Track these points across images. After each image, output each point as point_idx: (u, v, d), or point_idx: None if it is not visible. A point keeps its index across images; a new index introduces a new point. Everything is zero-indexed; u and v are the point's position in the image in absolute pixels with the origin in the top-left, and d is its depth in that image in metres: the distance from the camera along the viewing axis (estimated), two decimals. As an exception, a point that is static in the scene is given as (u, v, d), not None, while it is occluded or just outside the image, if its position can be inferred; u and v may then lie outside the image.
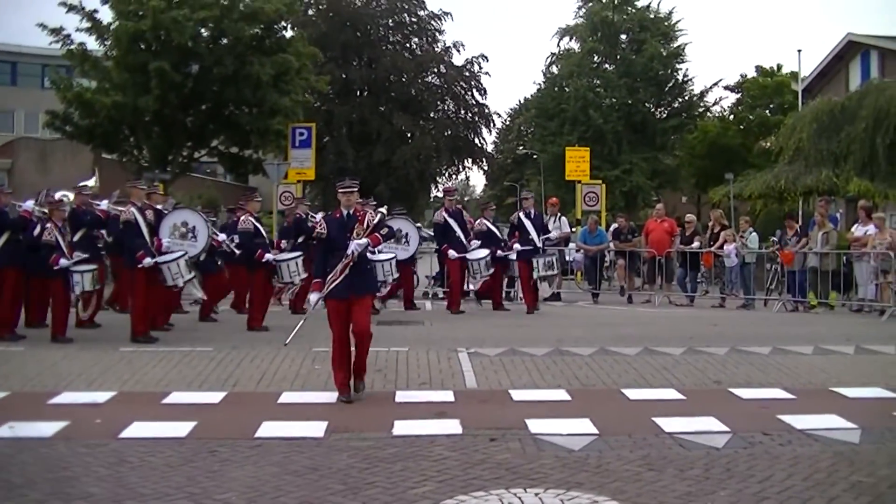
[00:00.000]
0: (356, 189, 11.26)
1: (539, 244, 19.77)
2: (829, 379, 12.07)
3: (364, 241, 10.87)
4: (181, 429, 9.41)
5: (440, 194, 66.15)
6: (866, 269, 20.11)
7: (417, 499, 7.00)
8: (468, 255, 19.72)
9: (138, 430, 9.40)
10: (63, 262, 15.06)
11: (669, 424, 9.42)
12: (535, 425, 9.39)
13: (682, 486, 7.30)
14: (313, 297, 11.05)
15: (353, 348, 10.85)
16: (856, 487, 7.25)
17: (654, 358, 13.44)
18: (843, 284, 20.89)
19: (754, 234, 23.51)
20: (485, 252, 19.72)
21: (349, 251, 10.77)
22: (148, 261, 15.04)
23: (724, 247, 22.25)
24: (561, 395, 11.12)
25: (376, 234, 11.09)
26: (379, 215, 11.69)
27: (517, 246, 19.72)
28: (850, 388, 11.35)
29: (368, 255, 11.34)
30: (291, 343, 12.30)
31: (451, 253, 19.60)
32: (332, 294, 10.81)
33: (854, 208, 25.67)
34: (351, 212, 11.07)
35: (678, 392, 11.23)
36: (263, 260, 16.74)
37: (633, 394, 11.15)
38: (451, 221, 20.00)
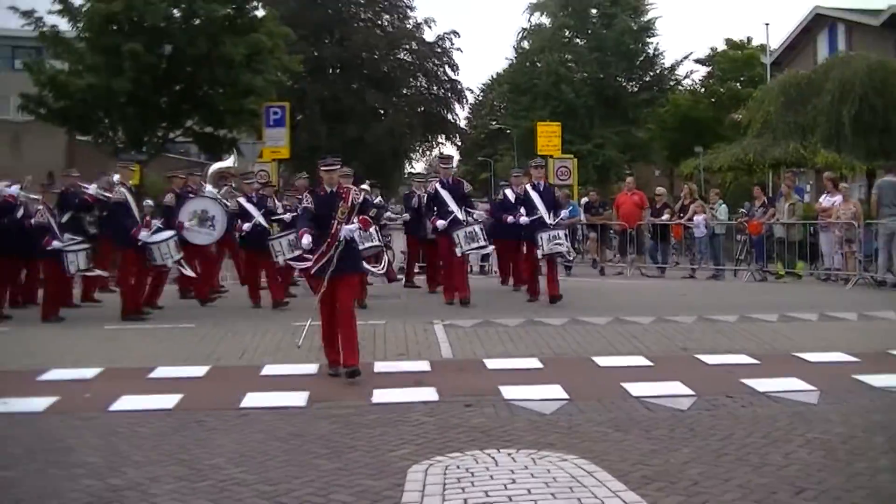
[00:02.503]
0: (338, 167, 11.22)
1: (550, 221, 16.70)
2: (792, 344, 12.50)
3: (354, 226, 10.82)
4: (168, 401, 9.76)
5: (413, 170, 66.52)
6: (832, 238, 20.57)
7: (396, 460, 7.37)
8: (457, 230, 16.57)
9: (127, 403, 9.74)
10: (56, 243, 15.38)
11: (637, 389, 9.85)
12: (509, 391, 9.81)
13: (647, 445, 7.72)
14: (305, 240, 10.77)
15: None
16: (811, 443, 7.69)
17: (623, 327, 13.86)
18: (809, 254, 21.36)
19: (723, 205, 24.05)
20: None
21: (341, 236, 10.70)
22: (144, 233, 15.33)
23: (694, 218, 22.68)
24: (533, 363, 11.53)
25: (365, 216, 11.01)
26: (363, 194, 11.57)
27: (524, 219, 16.72)
28: (812, 353, 11.77)
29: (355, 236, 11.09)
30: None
31: (440, 222, 16.92)
32: (318, 273, 10.86)
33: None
34: (334, 189, 11.01)
35: (646, 359, 11.65)
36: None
37: (602, 361, 11.56)
38: (444, 193, 17.03)
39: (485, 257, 23.38)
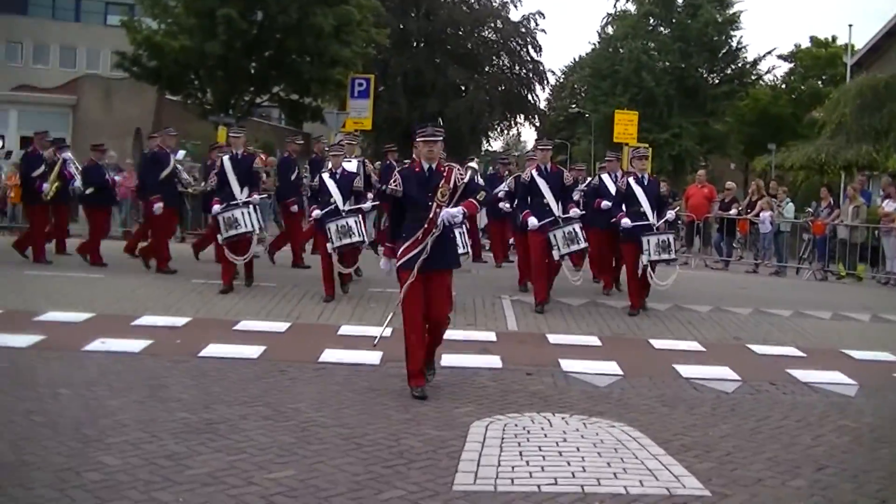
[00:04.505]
0: (440, 138, 9.29)
1: (653, 221, 14.40)
2: (840, 341, 13.08)
3: (458, 210, 9.00)
4: (252, 351, 10.69)
5: (491, 147, 66.99)
6: (894, 243, 20.95)
7: (460, 416, 8.18)
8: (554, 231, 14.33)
9: (214, 350, 10.70)
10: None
11: (687, 371, 10.58)
12: (567, 364, 10.62)
13: (689, 419, 8.46)
14: (384, 264, 9.59)
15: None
16: (841, 429, 8.36)
17: (682, 314, 14.53)
18: (871, 257, 21.77)
19: (790, 203, 24.52)
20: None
21: (439, 221, 8.96)
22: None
23: (760, 214, 23.15)
24: (593, 340, 12.32)
25: (472, 199, 9.15)
26: (469, 172, 9.73)
27: (626, 221, 14.28)
28: (858, 351, 12.36)
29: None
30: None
31: (532, 221, 14.16)
32: (406, 264, 9.07)
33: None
34: (434, 166, 9.20)
35: (700, 344, 12.35)
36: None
37: (658, 343, 12.31)
38: (541, 183, 14.43)
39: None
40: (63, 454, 6.68)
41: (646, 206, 14.39)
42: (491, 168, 21.10)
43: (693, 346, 12.31)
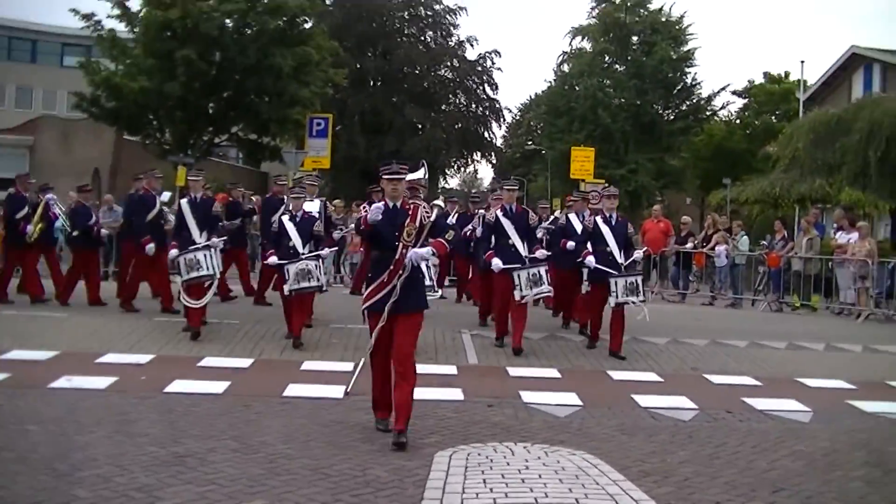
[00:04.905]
0: (404, 176, 9.06)
1: (621, 261, 14.21)
2: (795, 370, 13.38)
3: (426, 250, 8.85)
4: (217, 387, 10.83)
5: (448, 185, 67.24)
6: (847, 274, 21.34)
7: (425, 446, 8.36)
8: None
9: (180, 386, 10.83)
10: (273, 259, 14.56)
11: (645, 400, 10.84)
12: (528, 396, 10.84)
13: (648, 447, 8.68)
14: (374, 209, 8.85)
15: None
16: (796, 454, 8.61)
17: (639, 346, 14.75)
18: (825, 288, 22.14)
19: (745, 237, 24.93)
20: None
21: (406, 261, 8.71)
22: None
23: (716, 248, 23.51)
24: (552, 373, 12.55)
25: (441, 240, 8.98)
26: (435, 211, 9.30)
27: (590, 259, 14.24)
28: (813, 379, 12.69)
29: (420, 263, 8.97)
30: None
31: (496, 262, 13.96)
32: (374, 307, 8.81)
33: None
34: (398, 204, 8.92)
35: (657, 375, 12.62)
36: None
37: (616, 375, 12.55)
38: (507, 223, 14.27)
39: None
40: (35, 488, 6.80)
41: (613, 245, 14.23)
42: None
43: (651, 376, 12.56)
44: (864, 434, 9.67)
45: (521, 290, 13.81)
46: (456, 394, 10.89)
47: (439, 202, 10.03)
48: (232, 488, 6.91)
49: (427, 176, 10.12)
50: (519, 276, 13.84)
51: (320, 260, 14.26)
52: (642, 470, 7.76)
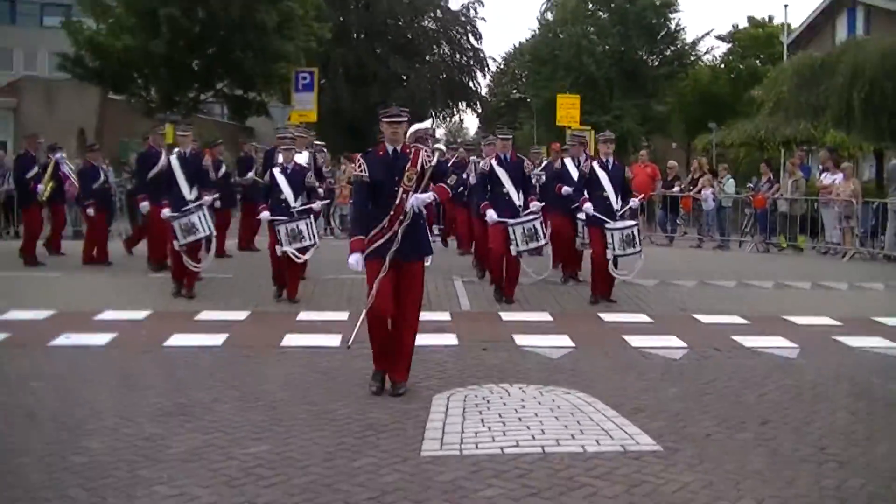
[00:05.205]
0: (405, 119, 8.80)
1: (617, 207, 13.93)
2: (782, 308, 13.62)
3: (428, 195, 8.58)
4: (216, 340, 10.98)
5: (434, 135, 67.15)
6: (832, 214, 21.58)
7: (423, 390, 8.59)
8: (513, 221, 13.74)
9: (179, 340, 10.97)
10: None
11: (636, 341, 11.05)
12: (521, 339, 11.07)
13: (640, 384, 8.91)
14: (353, 259, 8.53)
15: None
16: (782, 388, 8.84)
17: (629, 288, 14.95)
18: (811, 229, 22.38)
19: (731, 180, 25.18)
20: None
21: (406, 207, 8.41)
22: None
23: (702, 191, 23.72)
24: (544, 316, 12.77)
25: (442, 184, 8.79)
26: (437, 153, 8.96)
27: (588, 206, 13.80)
28: (799, 317, 12.89)
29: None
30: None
31: (491, 215, 13.61)
32: (374, 254, 8.47)
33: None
34: (399, 149, 8.65)
35: (648, 317, 12.85)
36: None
37: (607, 317, 12.78)
38: (501, 172, 13.93)
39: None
40: (45, 441, 6.97)
41: (609, 191, 13.86)
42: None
43: (641, 318, 12.79)
44: (850, 368, 9.92)
45: (516, 245, 13.65)
46: (450, 339, 11.10)
47: (441, 146, 9.61)
48: (237, 435, 7.10)
49: (435, 125, 9.97)
50: (514, 230, 13.64)
51: (311, 216, 14.26)
52: (635, 406, 7.97)
